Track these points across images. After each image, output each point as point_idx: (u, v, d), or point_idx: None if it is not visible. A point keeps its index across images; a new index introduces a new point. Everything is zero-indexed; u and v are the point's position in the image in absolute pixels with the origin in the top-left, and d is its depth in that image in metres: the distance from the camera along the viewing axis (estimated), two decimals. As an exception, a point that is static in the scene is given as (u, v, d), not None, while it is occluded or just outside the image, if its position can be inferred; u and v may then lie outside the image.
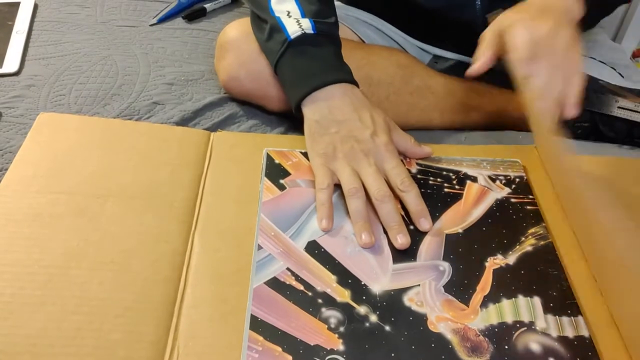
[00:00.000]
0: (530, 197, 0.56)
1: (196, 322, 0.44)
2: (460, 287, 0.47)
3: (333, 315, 0.45)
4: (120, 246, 0.48)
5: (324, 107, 0.56)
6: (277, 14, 0.60)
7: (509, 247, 0.51)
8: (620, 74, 0.75)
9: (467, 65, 0.76)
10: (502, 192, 0.56)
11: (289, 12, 0.60)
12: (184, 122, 0.68)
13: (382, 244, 0.50)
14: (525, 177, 0.58)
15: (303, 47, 0.59)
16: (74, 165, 0.55)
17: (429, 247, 0.51)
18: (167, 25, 0.88)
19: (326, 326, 0.44)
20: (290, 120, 0.70)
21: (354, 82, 0.58)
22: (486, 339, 0.44)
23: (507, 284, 0.48)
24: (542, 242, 0.51)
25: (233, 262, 0.48)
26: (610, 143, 0.68)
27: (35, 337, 0.42)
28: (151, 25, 0.87)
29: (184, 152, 0.58)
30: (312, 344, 0.42)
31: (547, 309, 0.46)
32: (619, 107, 0.68)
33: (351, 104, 0.56)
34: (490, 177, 0.57)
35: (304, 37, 0.58)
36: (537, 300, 0.47)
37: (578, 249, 0.51)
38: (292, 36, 0.58)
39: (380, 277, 0.48)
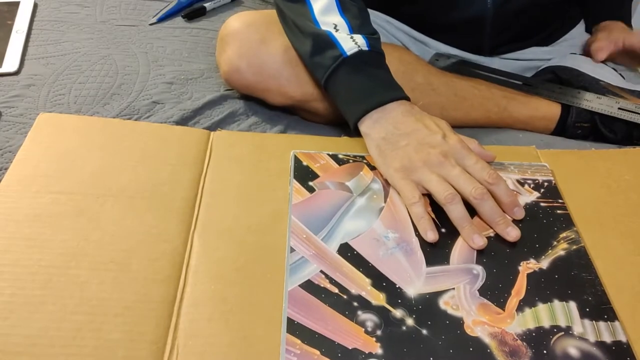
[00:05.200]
0: (560, 201, 0.55)
1: (196, 322, 0.44)
2: (495, 291, 0.47)
3: (369, 319, 0.44)
4: (120, 246, 0.48)
5: (387, 124, 0.56)
6: (324, 27, 0.60)
7: (542, 251, 0.50)
8: (621, 75, 0.75)
9: (468, 63, 0.77)
10: (531, 196, 0.56)
11: (335, 26, 0.60)
12: (183, 121, 0.68)
13: (414, 247, 0.50)
14: (553, 181, 0.57)
15: (359, 65, 0.59)
16: (74, 165, 0.55)
17: (461, 250, 0.50)
18: (167, 24, 0.88)
19: (363, 329, 0.44)
20: (290, 118, 0.70)
21: (408, 99, 0.59)
22: (524, 343, 0.43)
23: (542, 289, 0.47)
24: (574, 247, 0.51)
25: (233, 261, 0.48)
26: (609, 143, 0.68)
27: (35, 337, 0.42)
28: (151, 24, 0.87)
29: (184, 151, 0.58)
30: (350, 348, 0.42)
31: (583, 314, 0.46)
32: (619, 108, 0.68)
33: (412, 116, 0.56)
34: (518, 181, 0.57)
35: (360, 54, 0.58)
36: (572, 305, 0.46)
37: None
38: (349, 53, 0.58)
39: (414, 280, 0.47)
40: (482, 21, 0.74)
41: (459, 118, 0.70)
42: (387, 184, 0.56)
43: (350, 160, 0.58)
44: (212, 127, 0.67)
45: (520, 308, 0.46)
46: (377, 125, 0.57)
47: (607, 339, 0.44)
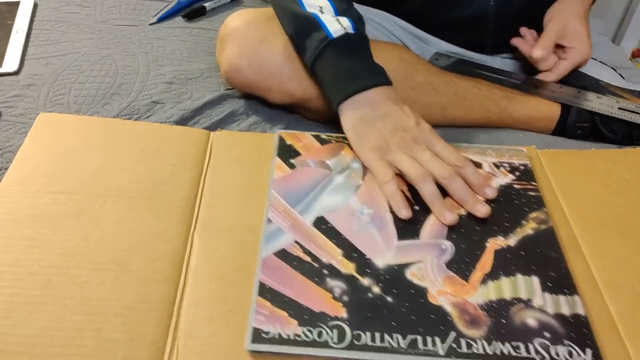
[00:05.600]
0: (534, 183, 0.57)
1: (196, 322, 0.44)
2: (461, 265, 0.48)
3: (337, 286, 0.46)
4: (120, 246, 0.48)
5: (366, 106, 0.58)
6: (309, 9, 0.61)
7: (511, 229, 0.52)
8: (621, 75, 0.75)
9: (468, 62, 0.77)
10: (506, 178, 0.57)
11: (321, 8, 0.61)
12: (183, 121, 0.68)
13: (387, 221, 0.52)
14: (529, 165, 0.59)
15: (344, 47, 0.59)
16: (74, 165, 0.55)
17: (432, 226, 0.52)
18: (167, 24, 0.88)
19: (331, 295, 0.45)
20: (291, 117, 0.70)
21: (390, 84, 0.60)
22: (484, 312, 0.45)
23: (507, 264, 0.49)
24: (543, 227, 0.52)
25: (233, 261, 0.48)
26: (609, 143, 0.68)
27: (35, 337, 0.42)
28: (151, 24, 0.87)
29: (184, 151, 0.58)
30: (317, 311, 0.44)
31: (545, 288, 0.47)
32: (619, 108, 0.68)
33: (390, 99, 0.58)
34: (495, 164, 0.58)
35: (346, 36, 0.59)
36: (535, 279, 0.47)
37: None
38: (335, 35, 0.59)
39: (384, 252, 0.49)
40: (484, 19, 0.74)
41: (459, 117, 0.70)
42: None
43: (333, 141, 0.60)
44: (212, 127, 0.67)
45: (484, 281, 0.47)
46: (357, 108, 0.58)
47: (566, 312, 0.45)
